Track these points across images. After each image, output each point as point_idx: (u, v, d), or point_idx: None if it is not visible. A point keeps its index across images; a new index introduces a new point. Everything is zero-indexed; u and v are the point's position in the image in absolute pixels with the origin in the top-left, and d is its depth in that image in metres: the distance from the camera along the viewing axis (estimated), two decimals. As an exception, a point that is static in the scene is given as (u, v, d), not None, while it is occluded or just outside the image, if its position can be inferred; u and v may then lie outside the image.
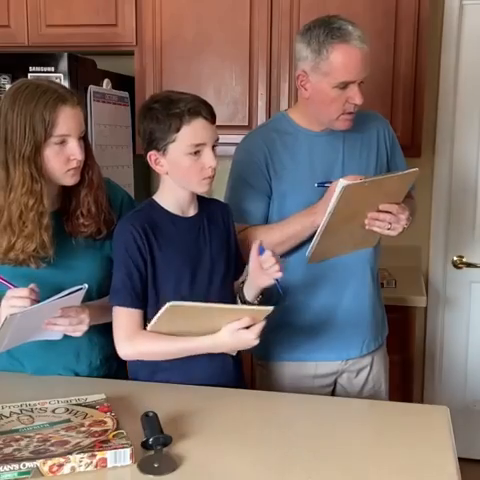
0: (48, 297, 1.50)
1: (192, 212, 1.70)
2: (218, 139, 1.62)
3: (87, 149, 1.63)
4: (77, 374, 1.73)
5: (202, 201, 1.73)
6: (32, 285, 1.51)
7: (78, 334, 1.59)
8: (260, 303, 1.68)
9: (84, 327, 1.58)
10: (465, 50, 2.97)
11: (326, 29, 1.77)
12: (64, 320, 1.55)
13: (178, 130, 1.56)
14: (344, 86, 1.78)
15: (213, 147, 1.61)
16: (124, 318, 1.61)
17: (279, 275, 1.60)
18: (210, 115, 1.58)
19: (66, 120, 1.53)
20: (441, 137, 3.04)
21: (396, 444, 1.34)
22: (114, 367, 1.78)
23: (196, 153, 1.57)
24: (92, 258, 1.68)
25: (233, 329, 1.50)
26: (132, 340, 1.60)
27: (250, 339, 1.51)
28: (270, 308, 1.48)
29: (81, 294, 1.54)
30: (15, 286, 1.52)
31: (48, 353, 1.69)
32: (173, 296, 1.56)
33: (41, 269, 1.60)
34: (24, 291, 1.50)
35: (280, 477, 1.23)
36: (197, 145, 1.57)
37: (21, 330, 1.54)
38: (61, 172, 1.57)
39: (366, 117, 1.98)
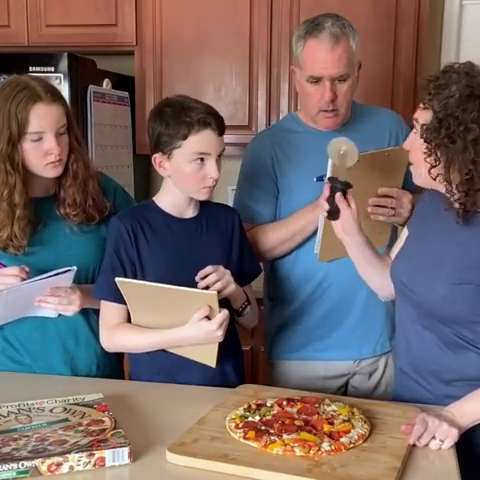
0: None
1: (190, 214, 1.71)
2: (224, 150, 1.64)
3: (71, 142, 1.67)
4: (75, 363, 1.75)
5: (206, 204, 1.74)
6: (23, 265, 1.59)
7: (69, 313, 1.66)
8: (243, 309, 1.71)
9: (74, 308, 1.65)
10: (465, 50, 2.96)
11: (307, 25, 1.82)
12: (54, 299, 1.62)
13: (185, 138, 1.57)
14: (316, 81, 1.80)
15: (218, 158, 1.62)
16: (105, 311, 1.66)
17: (218, 287, 1.58)
18: (219, 128, 1.60)
19: (38, 118, 1.58)
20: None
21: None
22: (113, 360, 1.81)
23: (200, 161, 1.59)
24: (87, 242, 1.73)
25: (195, 320, 1.51)
26: (110, 333, 1.66)
27: (212, 330, 1.50)
28: (214, 292, 1.49)
29: (70, 276, 1.61)
30: (5, 266, 1.61)
31: (46, 334, 1.73)
32: None
33: (36, 252, 1.66)
34: (14, 270, 1.58)
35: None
36: (201, 153, 1.59)
37: (13, 307, 1.61)
38: (40, 166, 1.64)
39: (380, 115, 1.99)
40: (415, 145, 1.46)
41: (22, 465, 1.18)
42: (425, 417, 1.35)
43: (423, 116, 1.43)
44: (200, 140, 1.58)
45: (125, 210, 1.74)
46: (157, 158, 1.64)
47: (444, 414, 1.37)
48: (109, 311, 1.65)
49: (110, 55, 2.92)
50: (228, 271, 1.61)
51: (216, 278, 1.58)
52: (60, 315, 1.68)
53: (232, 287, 1.60)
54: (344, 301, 1.90)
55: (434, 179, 1.43)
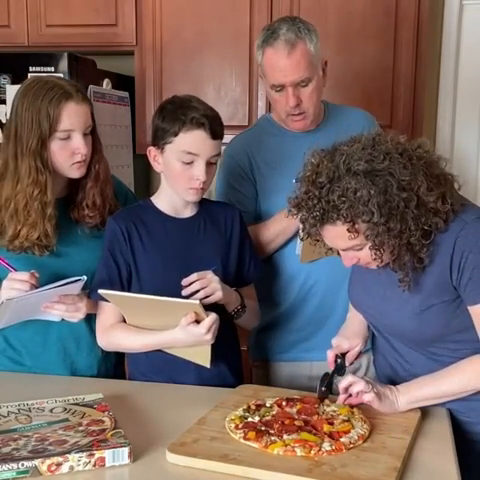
0: (49, 282, 1.57)
1: (188, 213, 1.71)
2: (217, 155, 1.63)
3: (94, 143, 1.68)
4: (76, 367, 1.75)
5: (205, 204, 1.74)
6: (33, 270, 1.58)
7: (75, 320, 1.65)
8: (236, 313, 1.70)
9: (80, 315, 1.64)
10: (465, 50, 2.96)
11: (264, 34, 1.83)
12: (61, 306, 1.61)
13: (176, 134, 1.58)
14: (280, 89, 1.82)
15: (211, 163, 1.61)
16: (101, 311, 1.67)
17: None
18: (212, 131, 1.58)
19: (70, 116, 1.58)
20: (441, 136, 3.04)
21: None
22: (113, 362, 1.82)
23: (188, 163, 1.59)
24: (96, 248, 1.71)
25: (182, 325, 1.51)
26: (106, 333, 1.67)
27: (201, 334, 1.50)
28: (196, 302, 1.49)
29: (79, 285, 1.59)
30: (16, 270, 1.59)
31: (47, 338, 1.73)
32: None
33: (46, 255, 1.65)
34: (25, 275, 1.56)
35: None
36: (189, 154, 1.58)
37: (19, 312, 1.61)
38: (66, 165, 1.63)
39: (353, 115, 1.99)
40: (359, 255, 1.40)
41: (22, 465, 1.18)
42: (371, 381, 1.43)
43: (345, 233, 1.34)
44: (189, 139, 1.58)
45: (121, 210, 1.74)
46: (152, 151, 1.65)
47: (390, 386, 1.44)
48: (105, 311, 1.66)
49: (110, 55, 2.92)
50: (216, 278, 1.59)
51: (199, 287, 1.56)
52: (63, 319, 1.67)
53: (218, 295, 1.59)
54: (327, 301, 1.92)
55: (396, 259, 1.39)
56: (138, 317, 1.62)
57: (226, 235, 1.73)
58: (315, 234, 1.41)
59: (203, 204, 1.73)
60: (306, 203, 1.35)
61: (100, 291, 1.54)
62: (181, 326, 1.51)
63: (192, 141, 1.58)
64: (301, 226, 1.44)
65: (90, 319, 1.72)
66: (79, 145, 1.61)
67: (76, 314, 1.64)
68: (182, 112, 1.58)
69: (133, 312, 1.62)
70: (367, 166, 1.31)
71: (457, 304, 1.43)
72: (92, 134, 1.67)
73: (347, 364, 1.61)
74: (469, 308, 1.41)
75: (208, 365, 1.59)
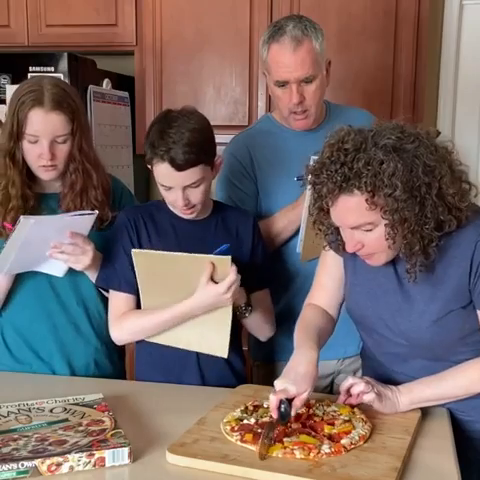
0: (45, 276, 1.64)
1: (200, 216, 1.70)
2: (197, 182, 1.58)
3: (72, 152, 1.68)
4: (73, 359, 1.77)
5: (222, 207, 1.75)
6: None
7: (79, 267, 1.64)
8: (241, 311, 1.70)
9: (86, 260, 1.63)
10: (465, 50, 2.97)
11: (270, 30, 1.84)
12: (68, 247, 1.59)
13: (151, 165, 1.60)
14: (283, 85, 1.82)
15: (194, 186, 1.59)
16: (113, 300, 1.68)
17: None
18: (178, 166, 1.54)
19: (35, 122, 1.62)
20: (441, 136, 3.04)
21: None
22: (114, 361, 1.83)
23: (167, 190, 1.61)
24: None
25: (202, 284, 1.52)
26: (120, 321, 1.66)
27: (220, 293, 1.51)
28: (228, 257, 1.50)
29: (91, 220, 1.60)
30: (14, 226, 1.60)
31: (45, 327, 1.75)
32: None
33: None
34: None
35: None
36: (162, 185, 1.60)
37: (27, 251, 1.59)
38: (35, 166, 1.68)
39: (355, 114, 1.99)
40: (366, 239, 1.35)
41: (22, 465, 1.18)
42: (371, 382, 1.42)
43: (361, 205, 1.29)
44: (159, 173, 1.59)
45: (132, 206, 1.78)
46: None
47: (390, 386, 1.42)
48: (117, 300, 1.67)
49: (110, 55, 2.92)
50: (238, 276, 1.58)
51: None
52: (61, 299, 1.70)
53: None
54: None
55: (409, 250, 1.35)
56: (157, 287, 1.60)
57: (237, 239, 1.72)
58: (326, 208, 1.35)
59: (217, 207, 1.74)
60: (328, 167, 1.30)
61: (133, 250, 1.56)
62: (200, 286, 1.52)
63: (161, 174, 1.59)
64: (311, 198, 1.38)
65: (88, 310, 1.76)
66: (43, 151, 1.64)
67: (82, 258, 1.62)
68: (157, 142, 1.56)
69: (154, 280, 1.60)
70: (396, 142, 1.29)
71: (471, 308, 1.42)
72: (72, 142, 1.67)
73: (293, 413, 1.36)
74: (479, 312, 1.41)
75: (225, 354, 1.59)
